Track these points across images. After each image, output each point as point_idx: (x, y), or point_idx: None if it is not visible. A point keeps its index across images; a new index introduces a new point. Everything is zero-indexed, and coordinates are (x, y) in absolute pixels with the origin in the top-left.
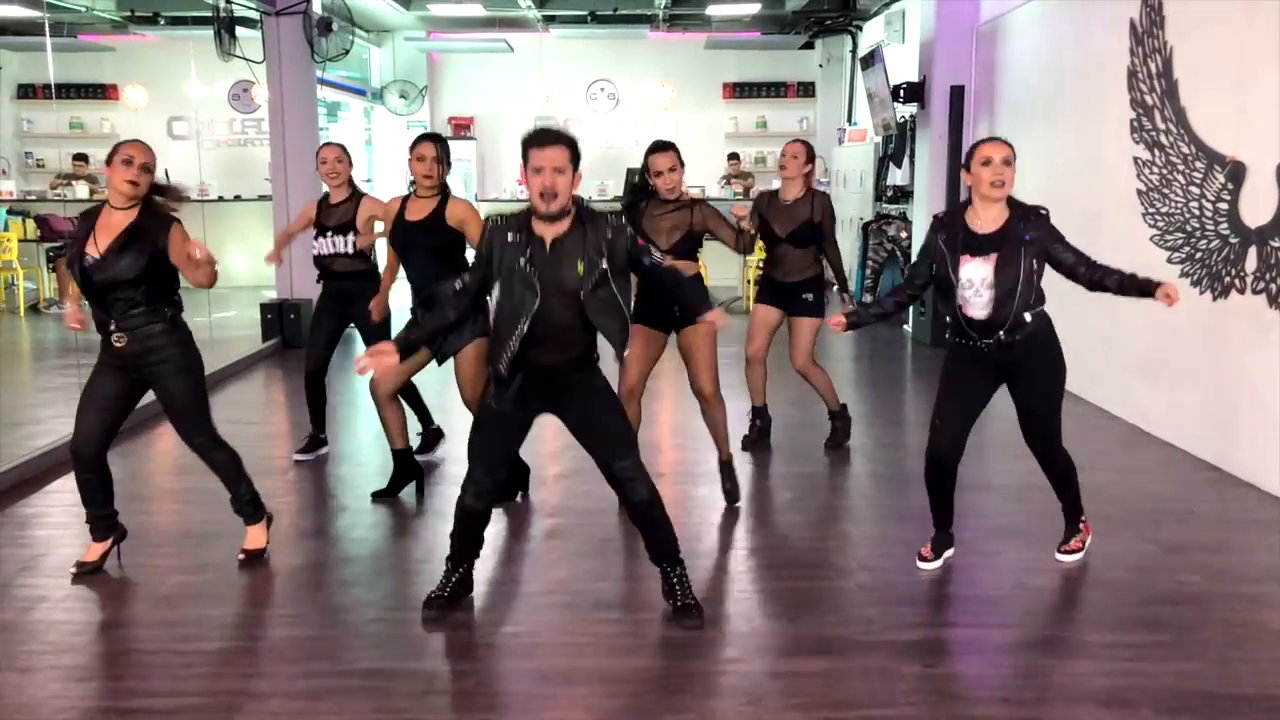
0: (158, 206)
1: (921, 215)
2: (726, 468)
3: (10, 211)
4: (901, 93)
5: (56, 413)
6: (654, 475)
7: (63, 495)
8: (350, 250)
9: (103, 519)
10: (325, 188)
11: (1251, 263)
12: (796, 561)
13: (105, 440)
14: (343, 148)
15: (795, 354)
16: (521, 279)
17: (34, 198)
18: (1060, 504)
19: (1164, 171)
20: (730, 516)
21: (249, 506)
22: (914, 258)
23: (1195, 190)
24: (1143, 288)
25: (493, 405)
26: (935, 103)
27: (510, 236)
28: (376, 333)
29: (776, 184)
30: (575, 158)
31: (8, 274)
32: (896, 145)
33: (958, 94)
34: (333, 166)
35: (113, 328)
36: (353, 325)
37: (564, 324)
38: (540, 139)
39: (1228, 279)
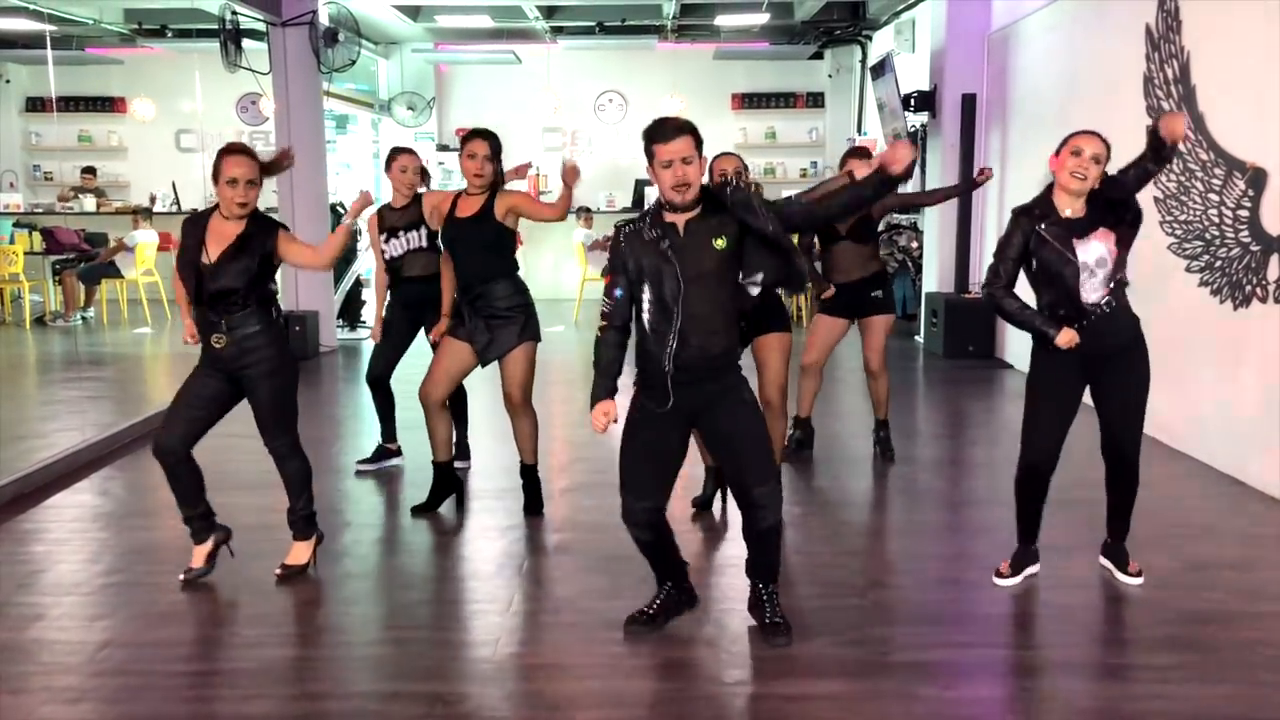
0: (265, 215)
1: (932, 225)
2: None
3: (17, 224)
4: (912, 102)
5: (59, 426)
6: None
7: (63, 510)
8: (425, 243)
9: (198, 518)
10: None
11: (1273, 271)
12: (808, 579)
13: (194, 439)
14: (414, 153)
15: (872, 356)
16: (666, 267)
17: (41, 210)
18: (1115, 524)
19: (1182, 179)
20: (740, 531)
21: (303, 521)
22: (926, 263)
23: (1214, 197)
24: (1153, 138)
25: (641, 417)
26: (946, 112)
27: (645, 235)
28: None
29: (787, 193)
30: (699, 144)
31: (14, 286)
32: None
33: (969, 102)
34: (411, 178)
35: (222, 328)
36: (422, 331)
37: (705, 313)
38: (663, 133)
39: (1249, 288)
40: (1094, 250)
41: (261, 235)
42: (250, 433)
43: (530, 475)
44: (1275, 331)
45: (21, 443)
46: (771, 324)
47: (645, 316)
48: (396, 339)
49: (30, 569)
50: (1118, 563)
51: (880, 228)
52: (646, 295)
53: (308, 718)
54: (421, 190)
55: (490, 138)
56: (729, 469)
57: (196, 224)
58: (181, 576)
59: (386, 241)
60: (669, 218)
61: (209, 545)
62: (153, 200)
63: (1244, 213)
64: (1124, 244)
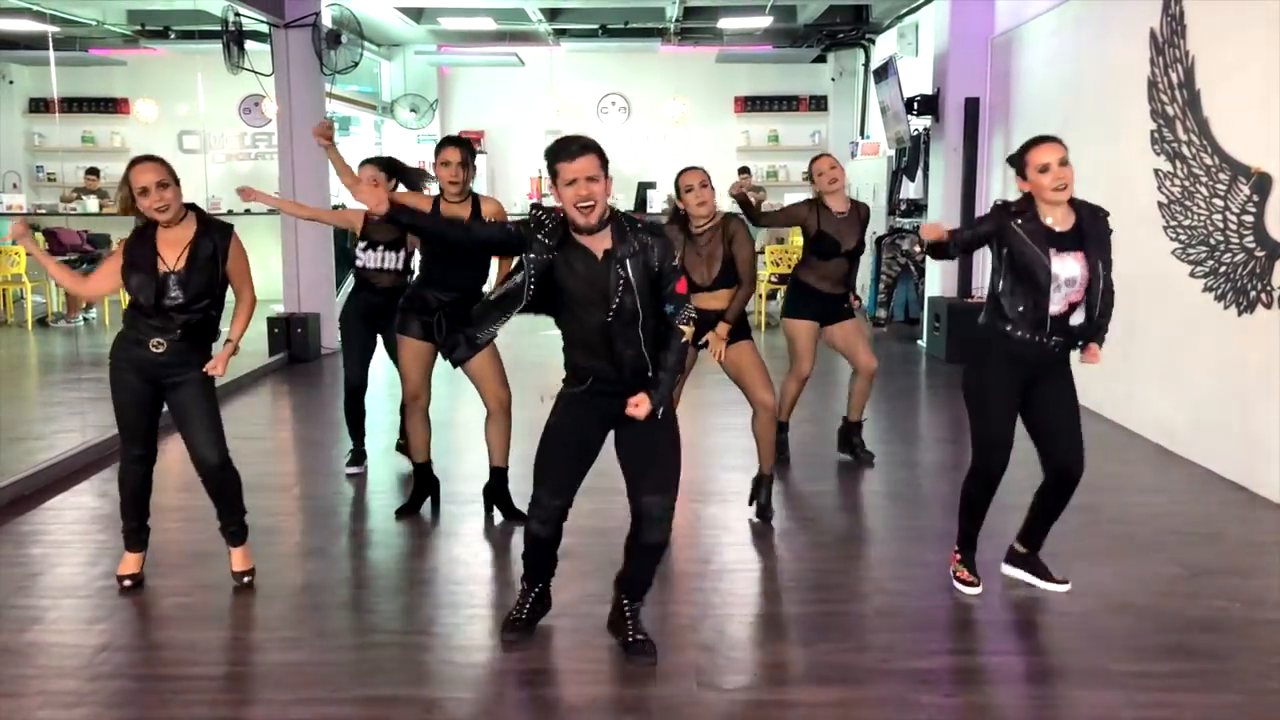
0: (211, 217)
1: None
2: (767, 483)
3: None
4: (915, 105)
5: (59, 428)
6: None
7: (61, 512)
8: (400, 267)
9: (142, 530)
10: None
11: (1278, 276)
12: (809, 584)
13: (153, 441)
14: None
15: (864, 358)
16: (589, 287)
17: (43, 211)
18: (1044, 528)
19: (1186, 184)
20: (741, 537)
21: (240, 528)
22: (928, 267)
23: (1219, 203)
24: (1091, 336)
25: (557, 418)
26: (949, 115)
27: (550, 240)
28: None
29: (793, 197)
30: (604, 163)
31: (16, 287)
32: (910, 159)
33: (972, 106)
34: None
35: (164, 331)
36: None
37: (629, 335)
38: (567, 152)
39: (1253, 293)
40: (1069, 267)
41: (213, 237)
42: (241, 434)
43: (501, 477)
44: (1279, 337)
45: (21, 444)
46: (735, 335)
47: (568, 320)
48: (360, 347)
49: (29, 571)
50: (1040, 573)
51: (883, 232)
52: (574, 297)
53: None
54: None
55: (463, 145)
56: (627, 476)
57: (143, 235)
58: (119, 583)
59: (364, 250)
60: (583, 240)
61: (144, 555)
62: None
63: (1248, 218)
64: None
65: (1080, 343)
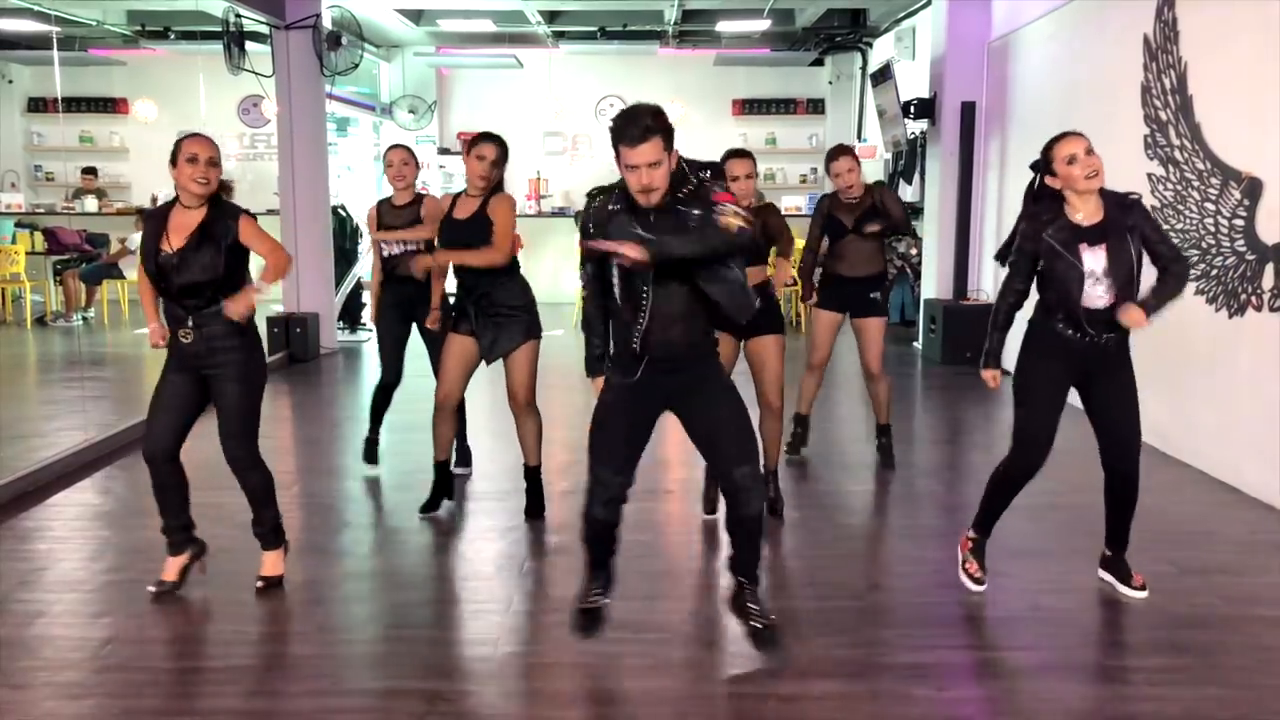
0: (226, 201)
1: (932, 232)
2: (773, 478)
3: (18, 224)
4: (912, 109)
5: (60, 425)
6: (662, 491)
7: (64, 509)
8: (420, 246)
9: (178, 529)
10: (390, 190)
11: (1269, 280)
12: (806, 580)
13: (177, 442)
14: (408, 149)
15: (871, 359)
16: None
17: (42, 210)
18: (1115, 531)
19: (1179, 188)
20: None
21: (272, 533)
22: (924, 269)
23: (1210, 206)
24: (1152, 295)
25: (612, 395)
26: (946, 119)
27: (614, 207)
28: (438, 337)
29: (791, 200)
30: (669, 144)
31: (15, 286)
32: (907, 162)
33: (969, 110)
34: (399, 170)
35: (189, 323)
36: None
37: (680, 302)
38: (629, 137)
39: (1244, 296)
40: (1095, 261)
41: (223, 221)
42: None
43: (533, 477)
44: (1269, 339)
45: (23, 442)
46: (767, 325)
47: (618, 294)
48: (395, 340)
49: (32, 566)
50: (1120, 575)
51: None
52: (618, 273)
53: (310, 714)
54: (423, 192)
55: (500, 143)
56: (709, 455)
57: (157, 216)
58: (151, 589)
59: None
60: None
61: (185, 558)
62: (154, 201)
63: (1240, 222)
64: (1140, 260)
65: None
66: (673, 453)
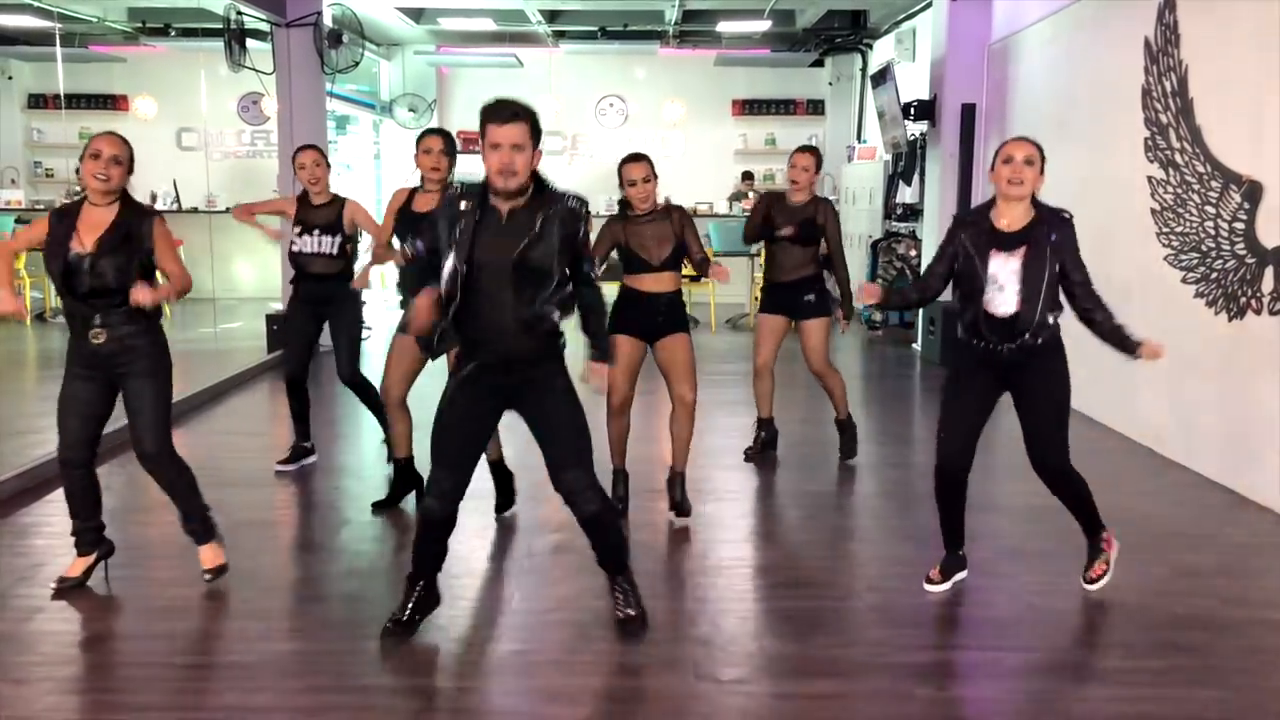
0: (136, 201)
1: (931, 233)
2: (680, 480)
3: (18, 220)
4: (912, 110)
5: None
6: (653, 492)
7: (63, 505)
8: (335, 252)
9: (89, 531)
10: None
11: (1268, 283)
12: (804, 581)
13: (92, 445)
14: (320, 150)
15: (811, 357)
16: (467, 248)
17: (42, 206)
18: (1079, 517)
19: (1179, 191)
20: (737, 534)
21: (201, 526)
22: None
23: (1211, 210)
24: (1124, 343)
25: (459, 392)
26: (946, 121)
27: (463, 205)
28: (346, 335)
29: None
30: (536, 135)
31: (15, 283)
32: (906, 163)
33: (969, 112)
34: (311, 172)
35: (96, 322)
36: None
37: (509, 303)
38: (498, 114)
39: (1244, 300)
40: (1003, 266)
41: (137, 222)
42: (240, 430)
43: (502, 470)
44: (1269, 343)
45: (21, 438)
46: (671, 326)
47: (444, 283)
48: (303, 337)
49: (31, 562)
50: (1086, 563)
51: (879, 236)
52: (450, 262)
53: (310, 710)
54: (342, 195)
55: (446, 135)
56: (545, 457)
57: (65, 214)
58: (54, 584)
59: (299, 236)
60: (494, 202)
61: (90, 559)
62: (153, 199)
63: (1240, 225)
64: (1057, 276)
65: (1029, 340)
66: (665, 453)
